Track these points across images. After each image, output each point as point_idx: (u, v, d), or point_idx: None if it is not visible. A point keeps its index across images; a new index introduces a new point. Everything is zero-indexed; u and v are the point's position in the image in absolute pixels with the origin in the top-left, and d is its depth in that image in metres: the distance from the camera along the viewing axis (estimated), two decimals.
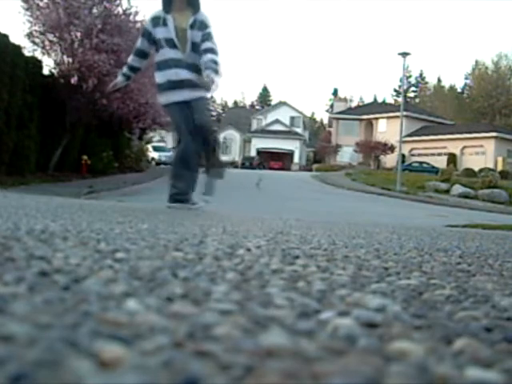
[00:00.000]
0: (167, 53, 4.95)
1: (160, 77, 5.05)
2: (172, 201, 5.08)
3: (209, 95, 5.17)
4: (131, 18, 15.69)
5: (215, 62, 4.83)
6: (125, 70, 5.31)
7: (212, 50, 4.89)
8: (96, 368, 0.46)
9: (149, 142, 28.79)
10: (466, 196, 21.16)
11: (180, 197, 5.06)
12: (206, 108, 5.17)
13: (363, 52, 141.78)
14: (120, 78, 5.34)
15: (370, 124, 53.51)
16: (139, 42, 5.16)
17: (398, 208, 13.29)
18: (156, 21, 4.96)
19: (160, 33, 4.94)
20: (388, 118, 50.62)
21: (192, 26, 4.91)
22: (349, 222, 5.34)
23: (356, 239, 2.54)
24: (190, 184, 5.10)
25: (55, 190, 9.49)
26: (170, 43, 4.92)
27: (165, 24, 4.93)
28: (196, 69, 4.92)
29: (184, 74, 4.93)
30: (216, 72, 4.81)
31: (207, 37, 4.93)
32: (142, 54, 5.19)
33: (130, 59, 5.26)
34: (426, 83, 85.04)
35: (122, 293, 0.79)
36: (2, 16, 75.07)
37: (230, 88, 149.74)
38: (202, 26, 4.92)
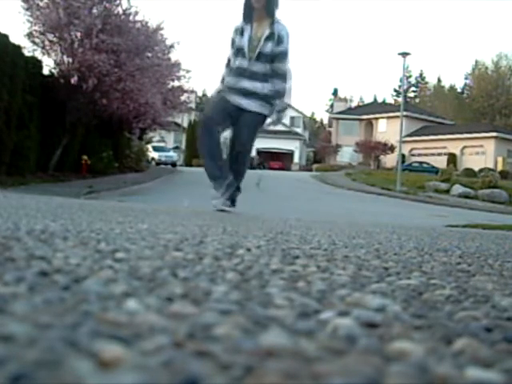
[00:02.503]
0: (236, 62, 5.07)
1: (226, 80, 5.17)
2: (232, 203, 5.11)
3: (269, 113, 5.15)
4: (131, 18, 15.69)
5: (282, 93, 5.03)
6: (220, 86, 5.26)
7: (283, 76, 5.03)
8: (96, 368, 0.46)
9: (149, 142, 28.79)
10: (466, 196, 21.16)
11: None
12: (255, 129, 5.16)
13: (363, 52, 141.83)
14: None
15: (370, 124, 53.52)
16: (230, 53, 5.20)
17: (398, 208, 13.29)
18: (238, 30, 5.10)
19: (238, 41, 5.07)
20: (388, 117, 50.64)
21: (267, 39, 4.99)
22: (349, 222, 5.34)
23: (356, 239, 2.54)
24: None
25: (55, 190, 9.49)
26: (241, 53, 5.03)
27: (242, 34, 5.06)
28: (262, 78, 5.01)
29: (244, 85, 5.01)
30: (283, 107, 5.07)
31: (282, 56, 5.04)
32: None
33: (224, 73, 5.24)
34: (426, 83, 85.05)
35: (122, 293, 0.79)
36: (2, 16, 75.11)
37: None
38: (279, 40, 5.01)
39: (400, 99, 42.88)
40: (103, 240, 1.53)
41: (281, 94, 5.06)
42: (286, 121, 55.33)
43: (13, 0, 14.74)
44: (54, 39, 14.74)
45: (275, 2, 5.06)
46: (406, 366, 0.53)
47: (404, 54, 24.92)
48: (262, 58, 5.00)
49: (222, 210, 4.87)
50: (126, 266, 1.08)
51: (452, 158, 45.13)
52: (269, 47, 4.99)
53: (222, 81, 5.23)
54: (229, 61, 5.22)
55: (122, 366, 0.47)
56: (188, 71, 20.59)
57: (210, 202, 4.99)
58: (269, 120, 5.18)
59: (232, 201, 5.09)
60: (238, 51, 5.08)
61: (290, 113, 56.87)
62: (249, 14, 5.05)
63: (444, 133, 48.28)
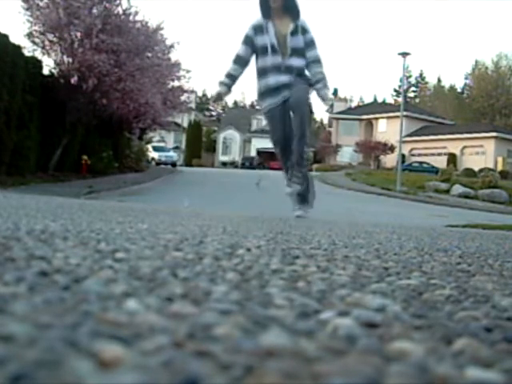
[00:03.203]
0: (267, 60, 5.02)
1: (261, 83, 5.11)
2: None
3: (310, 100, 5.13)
4: (131, 18, 15.70)
5: (324, 77, 5.06)
6: (224, 79, 5.17)
7: (319, 61, 5.09)
8: (96, 368, 0.46)
9: (149, 142, 28.80)
10: (466, 196, 21.15)
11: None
12: (306, 93, 5.05)
13: (363, 52, 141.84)
14: (222, 89, 5.20)
15: (370, 124, 53.51)
16: (241, 50, 5.12)
17: (398, 208, 13.29)
18: (258, 28, 5.04)
19: (261, 40, 5.02)
20: (388, 117, 50.62)
21: (293, 33, 5.01)
22: (349, 221, 5.34)
23: (356, 239, 2.54)
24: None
25: (55, 190, 9.49)
26: (272, 49, 5.00)
27: (267, 31, 5.01)
28: (299, 72, 5.03)
29: (283, 79, 4.99)
30: (327, 87, 5.06)
31: (312, 44, 5.11)
32: (243, 62, 5.15)
33: (230, 68, 5.15)
34: (426, 83, 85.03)
35: (122, 293, 0.79)
36: (2, 16, 75.11)
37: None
38: (303, 31, 5.06)
39: (400, 99, 42.92)
40: (103, 240, 1.53)
41: (322, 78, 5.08)
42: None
43: (13, 0, 14.75)
44: (54, 39, 14.74)
45: (294, 1, 5.07)
46: (406, 366, 0.53)
47: (404, 54, 24.92)
48: (296, 53, 5.02)
49: (299, 217, 4.96)
50: (126, 266, 1.08)
51: (452, 158, 45.11)
52: (299, 40, 5.02)
53: (228, 76, 5.13)
54: (238, 57, 5.13)
55: (122, 365, 0.47)
56: (188, 71, 20.61)
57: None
58: (322, 98, 5.12)
59: (303, 200, 5.10)
60: (266, 49, 5.01)
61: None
62: (267, 12, 5.04)
63: (444, 133, 48.27)
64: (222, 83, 5.17)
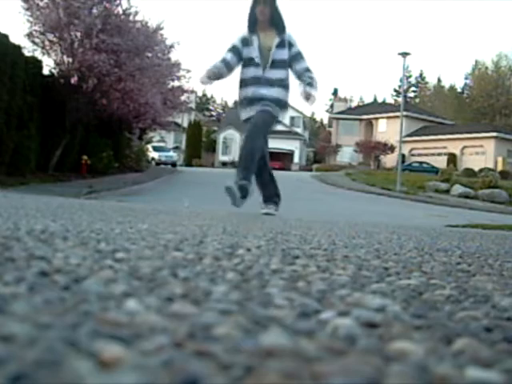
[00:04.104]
0: (249, 72, 5.13)
1: (240, 94, 5.23)
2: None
3: (281, 116, 5.27)
4: (131, 18, 15.68)
5: (313, 79, 5.11)
6: (210, 68, 5.11)
7: (310, 70, 5.18)
8: (96, 368, 0.46)
9: (149, 142, 28.80)
10: (466, 196, 21.15)
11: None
12: (264, 123, 5.16)
13: (363, 52, 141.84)
14: (206, 76, 5.14)
15: (370, 124, 53.51)
16: (228, 56, 5.17)
17: (397, 208, 13.29)
18: (244, 41, 5.16)
19: (247, 52, 5.14)
20: (388, 118, 50.63)
21: (278, 46, 5.12)
22: (349, 221, 5.34)
23: (356, 239, 2.54)
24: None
25: (55, 190, 9.49)
26: (253, 62, 5.11)
27: (250, 43, 5.14)
28: (280, 84, 5.12)
29: (262, 92, 5.08)
30: (314, 87, 5.09)
31: (300, 57, 5.21)
32: (229, 66, 5.17)
33: (214, 64, 5.14)
34: (426, 83, 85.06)
35: (122, 293, 0.79)
36: (2, 16, 75.10)
37: (230, 88, 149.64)
38: (289, 45, 5.17)
39: (400, 99, 42.88)
40: (103, 240, 1.53)
41: (311, 77, 5.11)
42: (286, 121, 55.35)
43: (13, 0, 14.75)
44: (54, 39, 14.73)
45: (279, 15, 5.20)
46: (406, 366, 0.53)
47: (404, 54, 24.90)
48: (277, 65, 5.12)
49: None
50: (126, 266, 1.08)
51: (452, 158, 45.12)
52: (284, 54, 5.13)
53: (213, 67, 5.09)
54: (224, 59, 5.17)
55: (122, 365, 0.47)
56: (188, 71, 20.59)
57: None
58: (303, 93, 5.09)
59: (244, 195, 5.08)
60: (248, 61, 5.14)
61: (289, 113, 56.89)
62: (253, 25, 5.17)
63: (444, 133, 48.27)
64: (207, 71, 5.16)
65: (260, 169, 5.20)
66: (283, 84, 5.15)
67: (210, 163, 52.11)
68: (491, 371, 0.53)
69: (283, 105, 5.19)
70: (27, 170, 12.48)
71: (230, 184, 4.84)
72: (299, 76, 5.16)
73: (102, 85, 15.11)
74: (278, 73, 5.12)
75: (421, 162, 43.84)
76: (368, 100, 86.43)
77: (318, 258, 1.53)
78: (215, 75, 5.08)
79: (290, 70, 5.22)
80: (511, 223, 8.24)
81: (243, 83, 5.20)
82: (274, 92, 5.09)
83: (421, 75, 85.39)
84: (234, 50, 5.18)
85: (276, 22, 5.17)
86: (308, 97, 5.02)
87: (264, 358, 0.52)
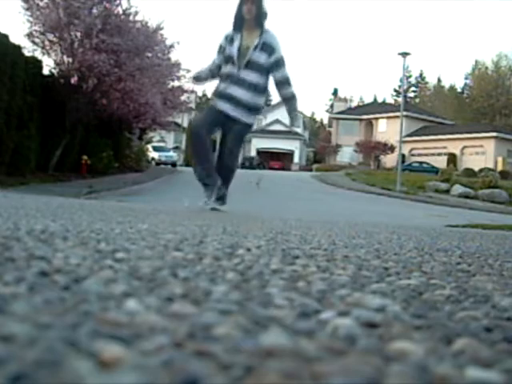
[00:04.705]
0: (226, 68, 5.24)
1: (217, 85, 5.38)
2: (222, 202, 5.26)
3: (253, 122, 5.42)
4: (131, 17, 15.68)
5: (293, 97, 5.29)
6: (199, 70, 5.51)
7: (288, 82, 5.26)
8: (96, 368, 0.46)
9: (149, 142, 28.79)
10: (466, 196, 21.15)
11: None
12: (242, 138, 5.42)
13: (363, 52, 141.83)
14: (198, 76, 5.59)
15: (370, 124, 53.51)
16: (217, 59, 5.37)
17: (397, 208, 13.29)
18: (228, 39, 5.27)
19: (228, 50, 5.23)
20: (388, 118, 50.63)
21: (256, 48, 5.16)
22: (349, 221, 5.34)
23: (356, 239, 2.54)
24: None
25: (55, 190, 9.49)
26: (231, 60, 5.19)
27: (232, 42, 5.22)
28: (255, 88, 5.18)
29: (234, 91, 5.17)
30: (295, 109, 5.34)
31: (279, 64, 5.24)
32: (217, 67, 5.37)
33: (203, 69, 5.49)
34: (426, 83, 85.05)
35: (122, 293, 0.79)
36: (2, 16, 75.08)
37: None
38: (269, 48, 5.18)
39: (400, 99, 42.87)
40: (103, 240, 1.53)
41: (291, 98, 5.28)
42: (286, 121, 55.32)
43: (13, 0, 14.75)
44: (54, 39, 14.73)
45: (264, 14, 5.24)
46: (406, 366, 0.53)
47: (404, 54, 24.92)
48: (252, 67, 5.15)
49: (214, 209, 5.08)
50: (126, 266, 1.08)
51: (452, 158, 45.11)
52: (262, 58, 5.15)
53: (201, 71, 5.47)
54: (214, 64, 5.40)
55: (122, 365, 0.47)
56: (188, 71, 20.57)
57: (199, 203, 5.17)
58: (288, 122, 5.55)
59: (221, 199, 5.22)
60: (228, 59, 5.23)
61: None
62: (239, 24, 5.22)
63: (444, 133, 48.26)
64: (197, 73, 5.57)
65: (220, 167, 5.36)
66: (258, 89, 5.18)
67: None
68: (491, 371, 0.53)
69: (255, 109, 5.25)
70: (27, 170, 12.48)
71: (210, 206, 5.06)
72: (278, 87, 5.28)
73: (102, 85, 15.11)
74: (253, 76, 5.15)
75: (421, 162, 43.84)
76: (368, 100, 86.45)
77: (318, 257, 1.53)
78: (201, 80, 5.53)
79: (268, 76, 5.27)
80: (511, 223, 8.24)
81: (221, 77, 5.33)
82: (245, 96, 5.14)
83: (421, 75, 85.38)
84: (220, 50, 5.32)
85: (261, 22, 5.21)
86: (293, 123, 5.50)
87: (264, 358, 0.52)
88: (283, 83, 5.23)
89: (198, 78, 5.58)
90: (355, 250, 1.91)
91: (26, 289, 0.76)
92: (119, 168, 18.95)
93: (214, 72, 5.42)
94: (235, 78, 5.14)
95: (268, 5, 5.30)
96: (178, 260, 1.23)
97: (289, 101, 5.30)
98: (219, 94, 5.24)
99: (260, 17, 5.17)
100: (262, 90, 5.23)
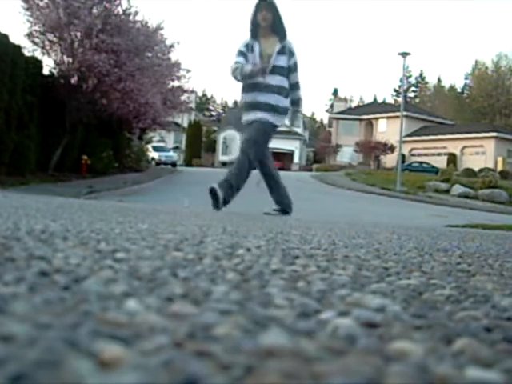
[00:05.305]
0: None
1: (242, 98, 5.44)
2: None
3: (280, 123, 5.48)
4: (131, 17, 15.69)
5: (299, 101, 5.46)
6: (237, 63, 5.31)
7: (298, 86, 5.44)
8: (96, 368, 0.46)
9: (149, 142, 28.78)
10: (466, 196, 21.15)
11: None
12: (261, 131, 5.36)
13: (363, 52, 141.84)
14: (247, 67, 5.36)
15: (370, 124, 53.51)
16: (239, 59, 5.30)
17: (397, 208, 13.29)
18: (247, 46, 5.32)
19: (250, 57, 5.27)
20: (388, 118, 50.63)
21: (279, 53, 5.27)
22: (349, 221, 5.34)
23: (356, 239, 2.54)
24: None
25: (55, 190, 9.49)
26: None
27: (252, 50, 5.28)
28: (279, 90, 5.29)
29: (261, 97, 5.25)
30: (299, 112, 5.53)
31: (295, 68, 5.42)
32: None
33: (241, 65, 5.28)
34: (426, 83, 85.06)
35: (122, 293, 0.79)
36: (2, 16, 75.07)
37: (230, 88, 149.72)
38: (290, 53, 5.34)
39: (400, 99, 42.87)
40: (103, 240, 1.53)
41: (298, 101, 5.44)
42: (286, 121, 55.27)
43: (13, 0, 14.75)
44: (54, 39, 14.74)
45: (281, 21, 5.30)
46: (406, 366, 0.53)
47: (404, 54, 24.92)
48: (277, 72, 5.24)
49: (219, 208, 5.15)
50: (126, 266, 1.08)
51: (452, 158, 45.10)
52: (283, 61, 5.27)
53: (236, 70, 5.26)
54: (238, 63, 5.28)
55: (122, 365, 0.47)
56: (188, 71, 20.58)
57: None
58: (286, 121, 5.58)
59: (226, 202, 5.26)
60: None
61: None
62: (256, 31, 5.29)
63: (444, 133, 48.26)
64: (239, 65, 5.28)
65: (266, 176, 5.44)
66: (283, 92, 5.29)
67: (210, 163, 52.10)
68: (491, 371, 0.53)
69: (282, 111, 5.35)
70: (27, 170, 12.48)
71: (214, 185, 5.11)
72: (290, 94, 5.39)
73: (102, 85, 15.11)
74: (278, 79, 5.24)
75: (421, 162, 43.84)
76: (368, 100, 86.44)
77: (317, 257, 1.53)
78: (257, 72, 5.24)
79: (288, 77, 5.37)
80: (511, 223, 8.24)
81: (245, 88, 5.33)
82: (272, 99, 5.23)
83: (421, 75, 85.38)
84: (243, 54, 5.30)
85: (277, 28, 5.28)
86: (293, 123, 5.68)
87: (264, 358, 0.52)
88: (295, 87, 5.39)
89: (252, 73, 5.25)
90: (355, 249, 1.91)
91: (26, 289, 0.76)
92: (119, 168, 18.95)
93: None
94: (262, 86, 5.20)
95: (283, 11, 5.34)
96: (178, 260, 1.23)
97: (295, 103, 5.43)
98: (248, 105, 5.29)
99: (275, 24, 5.24)
100: (287, 92, 5.35)
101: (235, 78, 5.27)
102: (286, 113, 5.43)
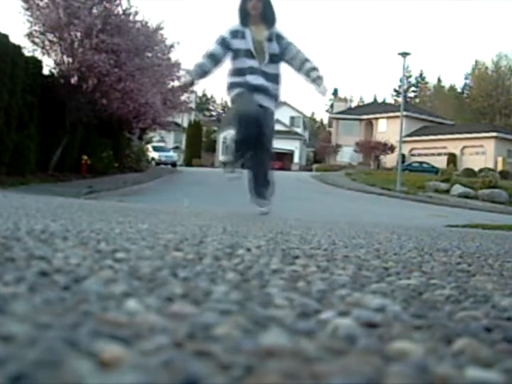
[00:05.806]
0: (244, 62, 5.20)
1: (234, 79, 5.24)
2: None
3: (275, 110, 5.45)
4: (131, 17, 15.68)
5: (317, 69, 5.29)
6: (192, 68, 5.31)
7: (309, 60, 5.33)
8: (96, 368, 0.46)
9: (149, 142, 28.78)
10: (466, 196, 21.15)
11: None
12: (272, 121, 5.42)
13: (363, 52, 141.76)
14: (189, 77, 5.43)
15: (370, 124, 53.50)
16: (214, 49, 5.24)
17: (397, 208, 13.29)
18: (235, 33, 5.23)
19: (238, 44, 5.20)
20: (388, 117, 50.62)
21: (269, 39, 5.23)
22: (349, 221, 5.34)
23: (356, 239, 2.54)
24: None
25: (55, 190, 9.49)
26: (248, 54, 5.18)
27: (243, 37, 5.21)
28: (274, 79, 5.27)
29: (261, 81, 5.19)
30: (323, 81, 5.29)
31: (290, 45, 5.32)
32: (215, 60, 5.25)
33: (200, 61, 5.23)
34: (426, 83, 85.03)
35: (122, 293, 0.79)
36: (2, 16, 75.03)
37: None
38: (278, 38, 5.29)
39: (400, 99, 42.86)
40: (103, 240, 1.53)
41: (315, 68, 5.29)
42: (286, 121, 55.36)
43: (13, 0, 14.74)
44: (54, 39, 14.73)
45: (271, 9, 5.27)
46: (406, 366, 0.53)
47: (404, 54, 24.91)
48: (272, 60, 5.23)
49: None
50: (126, 266, 1.08)
51: (452, 158, 45.09)
52: (275, 48, 5.23)
53: (197, 65, 5.20)
54: (210, 54, 5.21)
55: (122, 365, 0.47)
56: (188, 71, 20.56)
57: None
58: (319, 90, 5.31)
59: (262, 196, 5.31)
60: (243, 52, 5.18)
61: (289, 113, 56.89)
62: (245, 19, 5.23)
63: (444, 133, 48.25)
64: (188, 72, 5.47)
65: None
66: (278, 80, 5.30)
67: (210, 163, 52.08)
68: (491, 371, 0.53)
69: (276, 99, 5.36)
70: (27, 170, 12.47)
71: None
72: (301, 69, 5.27)
73: (102, 85, 15.11)
74: (272, 66, 5.24)
75: (421, 162, 43.82)
76: (368, 100, 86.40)
77: (317, 257, 1.53)
78: (199, 75, 5.24)
79: (282, 63, 5.32)
80: (511, 223, 8.24)
81: (239, 72, 5.21)
82: (270, 86, 5.22)
83: (421, 75, 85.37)
84: (222, 42, 5.23)
85: (267, 17, 5.24)
86: (324, 92, 5.33)
87: (264, 358, 0.52)
88: (304, 60, 5.28)
89: (202, 73, 5.23)
90: (355, 249, 1.91)
91: (26, 289, 0.76)
92: (119, 168, 18.95)
93: (215, 61, 5.23)
94: (258, 71, 5.17)
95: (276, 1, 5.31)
96: (178, 260, 1.23)
97: (315, 69, 5.28)
98: (247, 86, 5.16)
99: (266, 12, 5.20)
100: (280, 80, 5.34)
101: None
102: (278, 100, 5.46)
